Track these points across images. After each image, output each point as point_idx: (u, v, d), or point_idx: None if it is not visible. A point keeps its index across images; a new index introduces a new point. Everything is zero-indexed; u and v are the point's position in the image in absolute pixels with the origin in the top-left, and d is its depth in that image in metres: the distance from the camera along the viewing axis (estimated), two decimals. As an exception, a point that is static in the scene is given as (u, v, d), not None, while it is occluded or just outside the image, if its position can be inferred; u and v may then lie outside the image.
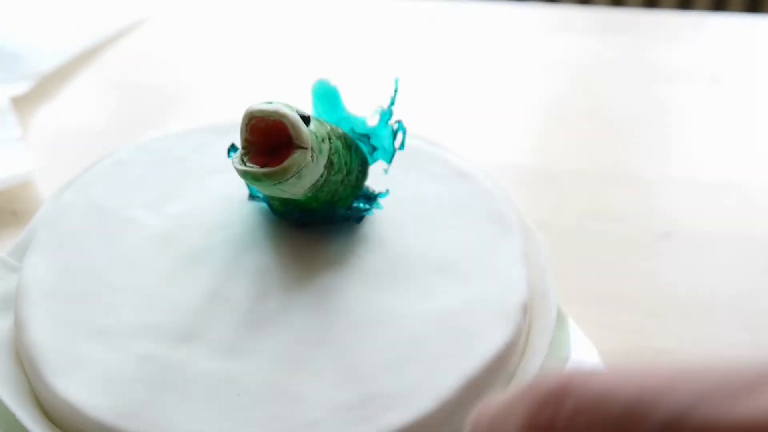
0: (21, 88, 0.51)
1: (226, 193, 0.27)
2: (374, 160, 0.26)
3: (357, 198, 0.26)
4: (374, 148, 0.26)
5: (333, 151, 0.24)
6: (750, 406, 0.11)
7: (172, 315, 0.23)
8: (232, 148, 0.25)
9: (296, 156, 0.22)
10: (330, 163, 0.24)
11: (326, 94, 0.25)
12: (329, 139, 0.23)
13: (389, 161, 0.26)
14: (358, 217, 0.26)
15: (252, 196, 0.26)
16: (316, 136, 0.23)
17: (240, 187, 0.27)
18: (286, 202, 0.25)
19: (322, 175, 0.23)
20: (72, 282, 0.24)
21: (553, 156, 0.47)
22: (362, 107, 0.27)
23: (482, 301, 0.24)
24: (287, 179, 0.22)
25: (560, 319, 0.26)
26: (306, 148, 0.22)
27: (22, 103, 0.51)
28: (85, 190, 0.27)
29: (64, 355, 0.22)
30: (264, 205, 0.26)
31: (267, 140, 0.22)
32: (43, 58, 0.54)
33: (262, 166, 0.22)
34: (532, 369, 0.23)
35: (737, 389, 0.12)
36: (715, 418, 0.11)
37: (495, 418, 0.14)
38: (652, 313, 0.37)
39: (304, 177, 0.23)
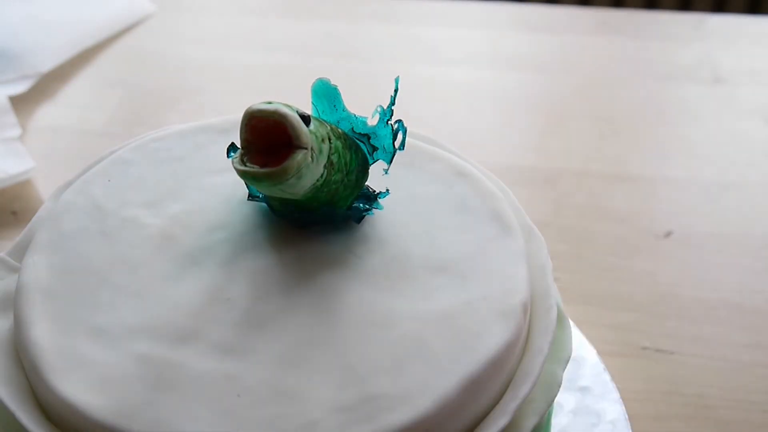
0: (20, 87, 0.51)
1: (226, 193, 0.27)
2: (374, 160, 0.26)
3: (357, 198, 0.26)
4: (374, 148, 0.26)
5: (333, 151, 0.24)
6: None
7: (172, 315, 0.23)
8: (232, 148, 0.25)
9: (296, 156, 0.22)
10: (330, 163, 0.24)
11: (326, 94, 0.25)
12: (329, 139, 0.23)
13: (389, 161, 0.26)
14: (358, 217, 0.26)
15: (252, 196, 0.26)
16: (316, 136, 0.23)
17: (240, 187, 0.27)
18: (285, 202, 0.25)
19: (322, 175, 0.23)
20: (72, 282, 0.24)
21: (553, 156, 0.47)
22: (362, 107, 0.27)
23: (482, 301, 0.24)
24: (287, 179, 0.22)
25: (560, 319, 0.26)
26: (306, 149, 0.22)
27: (22, 103, 0.51)
28: (85, 189, 0.27)
29: (64, 355, 0.22)
30: (264, 205, 0.26)
31: (267, 140, 0.22)
32: (42, 58, 0.54)
33: (262, 166, 0.22)
34: (533, 369, 0.23)
35: None
36: None
37: None
38: (652, 313, 0.37)
39: (304, 177, 0.23)
